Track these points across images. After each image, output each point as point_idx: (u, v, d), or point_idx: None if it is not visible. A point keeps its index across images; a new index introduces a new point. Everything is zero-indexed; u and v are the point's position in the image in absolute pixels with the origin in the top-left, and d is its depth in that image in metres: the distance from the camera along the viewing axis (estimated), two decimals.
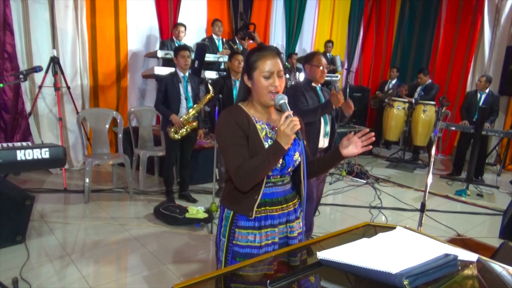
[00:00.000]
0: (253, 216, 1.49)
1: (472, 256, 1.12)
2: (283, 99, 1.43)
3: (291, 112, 1.37)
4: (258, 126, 1.50)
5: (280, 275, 1.12)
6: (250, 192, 1.48)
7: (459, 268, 1.05)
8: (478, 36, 7.02)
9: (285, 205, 1.56)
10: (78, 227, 3.44)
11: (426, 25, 8.07)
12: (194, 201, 4.19)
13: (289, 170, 1.54)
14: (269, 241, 1.52)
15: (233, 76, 4.20)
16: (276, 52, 1.50)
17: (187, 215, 3.59)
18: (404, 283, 0.89)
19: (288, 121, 1.34)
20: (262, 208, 1.51)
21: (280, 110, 1.52)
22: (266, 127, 1.52)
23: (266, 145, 1.47)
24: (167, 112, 3.87)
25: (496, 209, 4.52)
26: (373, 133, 1.52)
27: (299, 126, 1.35)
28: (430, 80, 6.51)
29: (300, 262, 1.25)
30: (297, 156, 1.54)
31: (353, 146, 1.52)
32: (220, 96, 3.64)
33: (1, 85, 3.04)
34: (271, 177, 1.51)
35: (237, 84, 4.16)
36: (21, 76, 2.50)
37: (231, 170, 1.44)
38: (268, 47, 1.53)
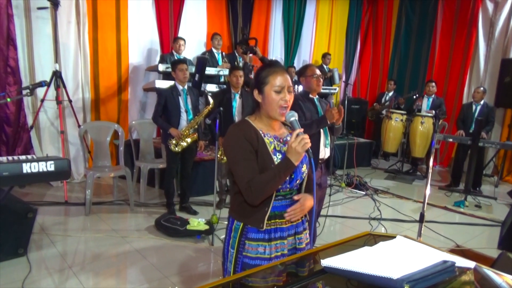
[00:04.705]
0: (264, 228, 1.52)
1: (469, 263, 1.16)
2: (294, 116, 1.48)
3: (301, 130, 1.41)
4: (266, 140, 1.54)
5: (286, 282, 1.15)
6: (260, 205, 1.51)
7: (457, 273, 1.08)
8: (473, 49, 7.14)
9: None
10: (79, 240, 3.45)
11: (422, 38, 8.19)
12: (194, 213, 4.21)
13: (297, 182, 1.58)
14: (279, 253, 1.55)
15: (233, 90, 4.26)
16: (285, 69, 1.57)
17: (188, 227, 3.61)
18: None
19: (299, 138, 1.38)
20: (272, 221, 1.54)
21: (288, 125, 1.57)
22: (274, 140, 1.56)
23: (275, 159, 1.51)
24: (165, 125, 3.93)
25: (494, 220, 4.55)
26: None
27: (309, 144, 1.39)
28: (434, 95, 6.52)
29: (308, 272, 1.27)
30: (304, 168, 1.59)
31: None
32: (221, 109, 3.69)
33: (8, 99, 3.09)
34: (281, 190, 1.54)
35: (236, 97, 4.22)
36: (27, 90, 2.55)
37: (241, 184, 1.48)
38: (277, 63, 1.60)
